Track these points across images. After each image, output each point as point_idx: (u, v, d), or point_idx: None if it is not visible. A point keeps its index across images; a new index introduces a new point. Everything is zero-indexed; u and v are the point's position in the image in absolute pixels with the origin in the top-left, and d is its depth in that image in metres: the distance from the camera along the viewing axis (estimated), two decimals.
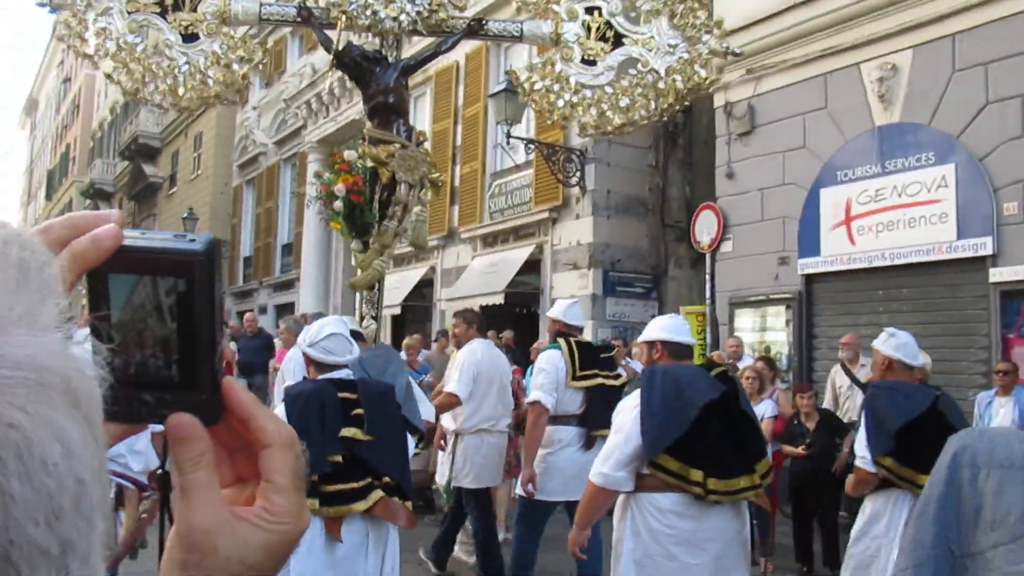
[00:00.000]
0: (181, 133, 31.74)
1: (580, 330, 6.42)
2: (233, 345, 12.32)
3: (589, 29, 5.93)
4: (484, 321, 7.54)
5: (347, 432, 4.07)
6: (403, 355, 10.94)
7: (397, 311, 16.78)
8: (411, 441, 4.69)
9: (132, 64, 5.59)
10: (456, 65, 16.44)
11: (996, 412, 7.44)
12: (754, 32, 11.14)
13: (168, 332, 0.58)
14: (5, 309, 0.43)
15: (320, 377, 4.26)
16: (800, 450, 7.60)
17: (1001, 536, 2.07)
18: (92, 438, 0.45)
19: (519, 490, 6.04)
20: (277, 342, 11.66)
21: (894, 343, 4.56)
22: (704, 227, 12.07)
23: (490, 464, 6.73)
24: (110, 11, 5.59)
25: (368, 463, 4.12)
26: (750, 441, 4.10)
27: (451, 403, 6.60)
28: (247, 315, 14.15)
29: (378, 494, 4.11)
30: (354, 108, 17.41)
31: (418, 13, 5.80)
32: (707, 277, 12.15)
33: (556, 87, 5.82)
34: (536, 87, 5.84)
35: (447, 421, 6.84)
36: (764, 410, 7.99)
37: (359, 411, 4.13)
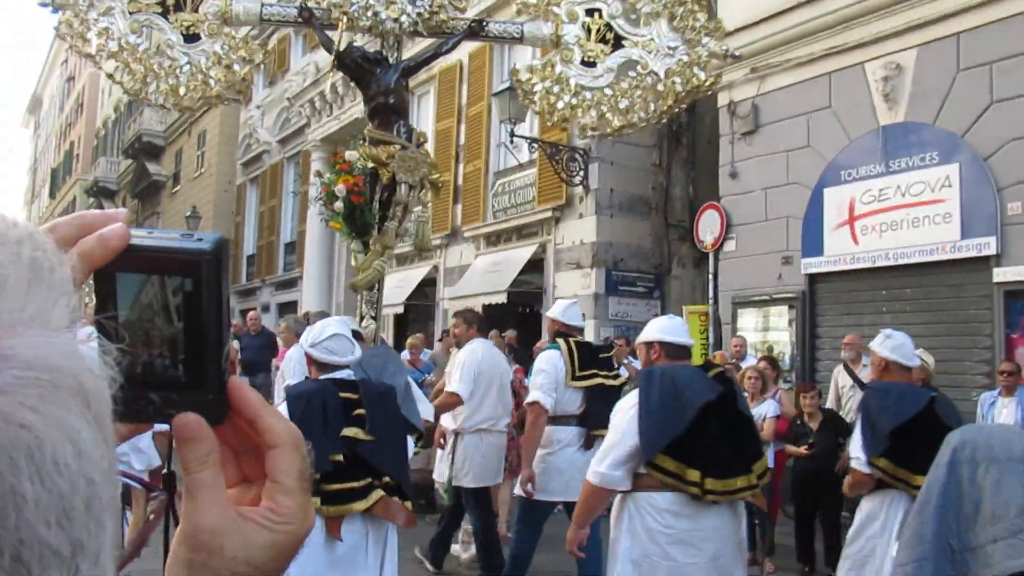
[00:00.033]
0: (185, 131, 31.78)
1: (579, 330, 6.45)
2: (236, 344, 12.34)
3: (589, 31, 5.95)
4: (484, 321, 7.56)
5: (348, 432, 4.11)
6: (406, 354, 10.97)
7: (400, 310, 16.79)
8: (410, 440, 4.72)
9: (134, 64, 5.60)
10: (460, 64, 16.44)
11: (999, 412, 7.43)
12: (758, 31, 11.14)
13: (175, 332, 0.58)
14: (17, 309, 0.43)
15: (322, 377, 4.30)
16: (803, 450, 7.60)
17: (1000, 530, 2.08)
18: (102, 439, 0.45)
19: (518, 490, 6.06)
20: (280, 341, 11.67)
21: (890, 344, 4.58)
22: (707, 226, 12.06)
23: (490, 463, 6.76)
24: (112, 11, 5.60)
25: (369, 463, 4.15)
26: (747, 442, 4.13)
27: (453, 402, 6.63)
28: (251, 314, 14.17)
29: (378, 494, 4.14)
30: (357, 107, 17.41)
31: (419, 14, 5.82)
32: (710, 276, 12.13)
33: (556, 89, 5.83)
34: (536, 89, 5.85)
35: (447, 420, 6.87)
36: (766, 410, 7.99)
37: (360, 411, 4.17)
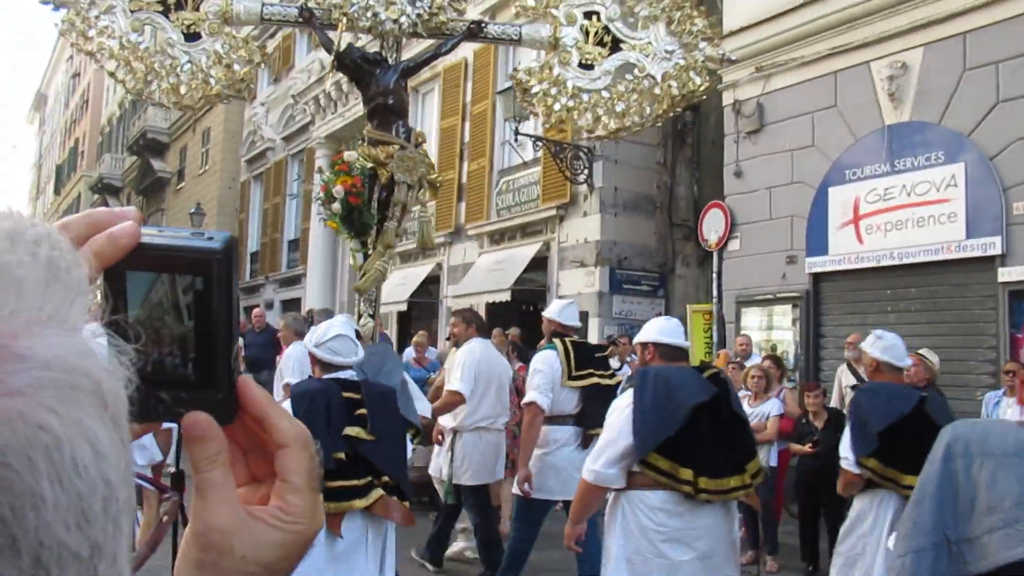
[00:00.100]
0: (189, 128, 31.81)
1: (575, 330, 6.48)
2: (240, 341, 12.33)
3: (587, 34, 5.97)
4: (484, 321, 7.60)
5: (350, 431, 4.17)
6: (412, 353, 10.99)
7: (403, 308, 16.80)
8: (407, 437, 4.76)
9: (135, 62, 5.62)
10: (464, 62, 16.43)
11: (1004, 412, 7.42)
12: (763, 30, 11.12)
13: (185, 330, 0.58)
14: (35, 309, 0.43)
15: (325, 377, 4.36)
16: (807, 448, 7.60)
17: (996, 522, 2.11)
18: (119, 439, 0.45)
19: (515, 489, 6.10)
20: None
21: (881, 345, 4.60)
22: (712, 225, 12.04)
23: (488, 461, 6.81)
24: (113, 9, 5.62)
25: (369, 462, 4.20)
26: (741, 442, 4.18)
27: (456, 401, 6.67)
28: (255, 311, 14.17)
29: (378, 492, 4.19)
30: (361, 104, 17.42)
31: (418, 15, 5.84)
32: (714, 275, 12.12)
33: (554, 91, 5.86)
34: (534, 90, 5.87)
35: (445, 418, 6.91)
36: (770, 409, 8.00)
37: (362, 411, 4.23)
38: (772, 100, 11.28)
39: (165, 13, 5.75)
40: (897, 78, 9.78)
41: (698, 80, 5.92)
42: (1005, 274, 8.74)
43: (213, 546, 0.59)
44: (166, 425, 0.60)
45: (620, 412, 4.03)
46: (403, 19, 5.80)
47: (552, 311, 6.37)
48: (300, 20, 5.99)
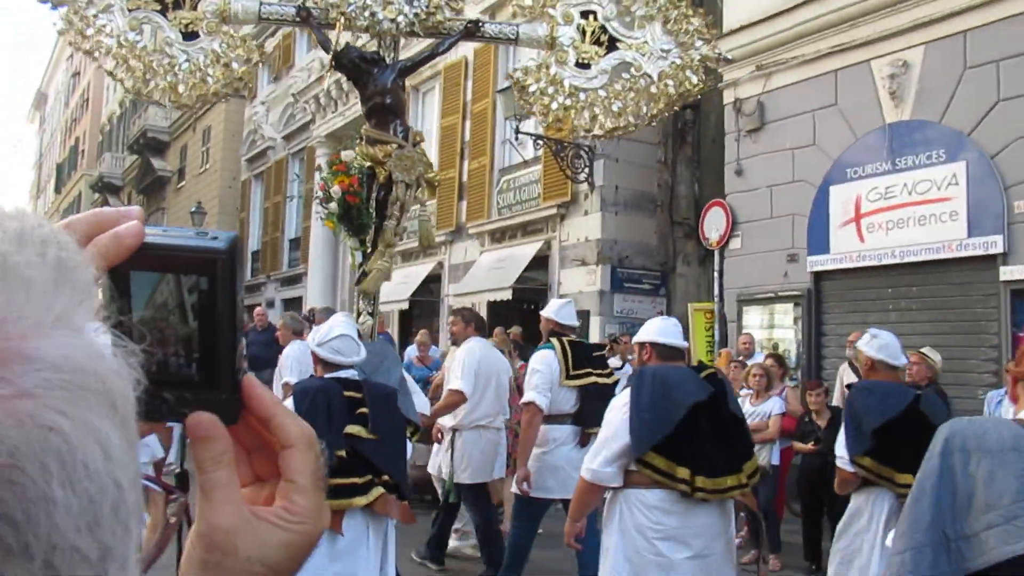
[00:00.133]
0: (189, 127, 31.80)
1: (573, 329, 6.50)
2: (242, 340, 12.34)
3: (584, 33, 5.99)
4: (482, 319, 7.63)
5: (351, 429, 4.21)
6: (415, 351, 10.99)
7: (405, 306, 16.79)
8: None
9: (133, 61, 5.63)
10: (465, 61, 16.42)
11: (1006, 411, 7.41)
12: (764, 28, 11.11)
13: (189, 330, 0.57)
14: (43, 310, 0.43)
15: (327, 376, 4.41)
16: (810, 446, 7.60)
17: (994, 518, 2.12)
18: (128, 441, 0.44)
19: (515, 488, 6.13)
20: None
21: (876, 344, 4.62)
22: (713, 224, 12.04)
23: (487, 459, 6.85)
24: (111, 8, 5.62)
25: (370, 460, 4.24)
26: (738, 441, 4.21)
27: (458, 401, 6.69)
28: (256, 309, 14.19)
29: (379, 490, 4.24)
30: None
31: (416, 15, 5.85)
32: (715, 274, 12.12)
33: (551, 90, 5.87)
34: (531, 89, 5.89)
35: (445, 417, 6.92)
36: (771, 407, 8.00)
37: (363, 410, 4.27)
38: (773, 98, 11.27)
39: (163, 12, 5.75)
40: (898, 76, 9.78)
41: (694, 79, 5.94)
42: (1007, 273, 8.73)
43: (218, 546, 0.59)
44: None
45: (618, 411, 4.07)
46: (400, 18, 5.82)
47: (550, 310, 6.39)
48: (298, 19, 6.00)
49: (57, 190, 55.88)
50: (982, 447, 2.20)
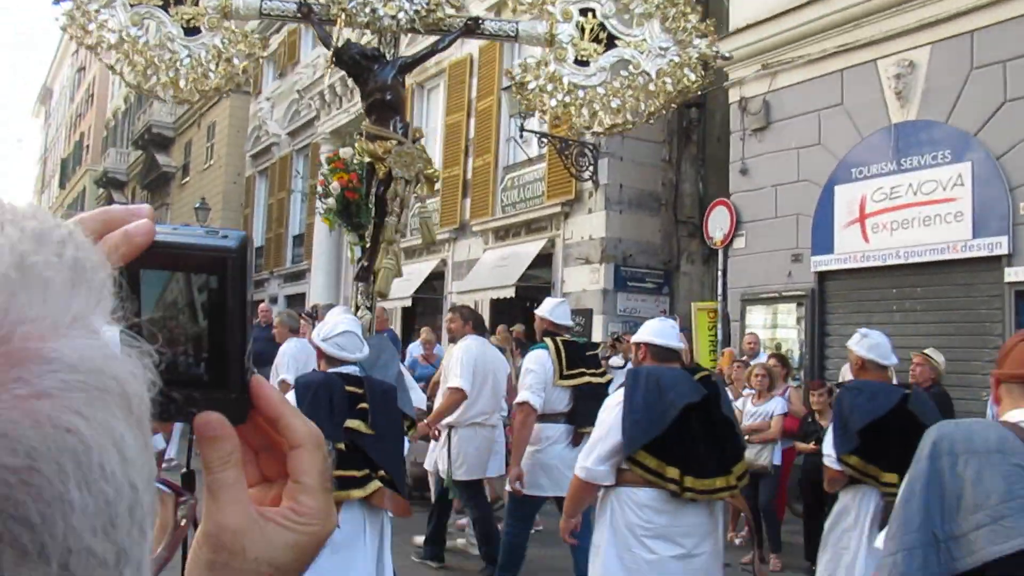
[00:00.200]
0: (194, 123, 31.85)
1: (567, 329, 6.53)
2: None
3: (583, 30, 6.01)
4: (481, 317, 7.67)
5: (351, 424, 4.28)
6: (420, 349, 10.99)
7: (408, 303, 16.81)
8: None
9: (135, 56, 5.65)
10: (470, 58, 16.42)
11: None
12: (770, 27, 11.10)
13: (199, 330, 0.57)
14: (60, 311, 0.42)
15: (330, 371, 4.49)
16: (812, 446, 7.59)
17: (982, 518, 2.16)
18: (143, 443, 0.44)
19: (507, 486, 6.17)
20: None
21: (867, 344, 4.66)
22: (717, 223, 12.03)
23: (482, 456, 6.88)
24: (113, 3, 5.65)
25: (368, 455, 4.31)
26: (729, 444, 4.26)
27: (459, 399, 6.71)
28: (261, 306, 14.20)
29: (376, 484, 4.29)
30: None
31: (416, 12, 5.88)
32: (719, 273, 12.12)
33: (550, 87, 5.90)
34: (531, 86, 5.92)
35: None
36: (774, 407, 7.98)
37: (364, 405, 4.34)
38: (778, 98, 11.26)
39: (165, 7, 5.78)
40: (904, 76, 9.76)
41: (692, 76, 5.97)
42: (1011, 274, 8.71)
43: (225, 547, 0.58)
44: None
45: (611, 411, 4.13)
46: (401, 15, 5.85)
47: (544, 309, 6.42)
48: (299, 15, 6.03)
49: (61, 185, 56.02)
50: (969, 449, 2.24)
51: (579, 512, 4.42)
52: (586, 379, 6.09)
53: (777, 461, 7.92)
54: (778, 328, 11.29)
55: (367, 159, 5.70)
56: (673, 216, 13.95)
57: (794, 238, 10.88)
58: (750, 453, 7.77)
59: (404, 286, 15.89)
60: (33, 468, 0.38)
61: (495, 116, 15.79)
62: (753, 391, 8.17)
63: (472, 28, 6.11)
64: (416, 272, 16.90)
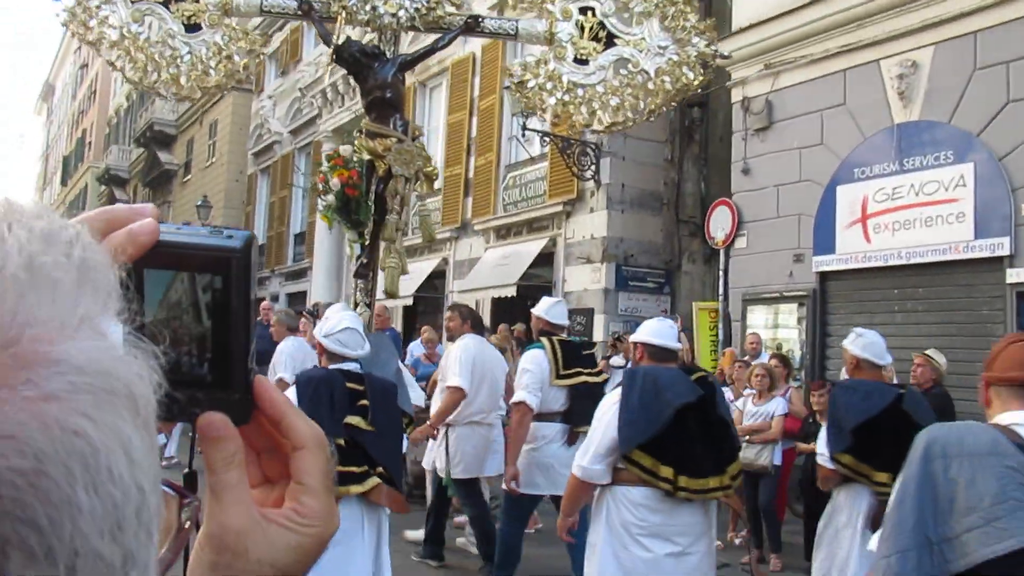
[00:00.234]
0: (196, 121, 31.86)
1: (563, 328, 6.54)
2: None
3: (582, 29, 6.03)
4: (479, 316, 7.68)
5: (352, 420, 4.32)
6: (422, 348, 10.98)
7: (409, 302, 16.80)
8: None
9: (135, 53, 5.66)
10: (472, 57, 16.42)
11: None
12: (772, 27, 11.09)
13: (203, 330, 0.57)
14: (68, 312, 0.42)
15: (331, 367, 4.51)
16: (813, 446, 7.58)
17: (975, 520, 2.19)
18: (150, 445, 0.44)
19: (503, 485, 6.19)
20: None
21: (862, 343, 4.69)
22: (719, 223, 12.02)
23: (479, 454, 6.89)
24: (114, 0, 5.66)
25: (367, 452, 4.35)
26: (724, 444, 4.30)
27: (459, 398, 6.71)
28: (263, 304, 14.21)
29: (375, 480, 4.33)
30: None
31: (416, 10, 5.90)
32: (721, 273, 12.11)
33: (549, 85, 5.91)
34: (530, 85, 5.93)
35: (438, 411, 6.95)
36: (774, 408, 7.97)
37: (364, 402, 4.38)
38: (780, 97, 11.25)
39: (165, 4, 5.80)
40: (907, 77, 9.74)
41: (691, 75, 5.99)
42: (1013, 275, 8.70)
43: (228, 548, 0.58)
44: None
45: (608, 410, 4.16)
46: (401, 13, 5.87)
47: (540, 309, 6.43)
48: (299, 13, 6.05)
49: (63, 182, 56.05)
50: (962, 452, 2.27)
51: (576, 511, 4.46)
52: (582, 379, 6.11)
53: (778, 461, 7.92)
54: (779, 328, 11.29)
55: (367, 156, 5.72)
56: (675, 216, 13.94)
57: (796, 238, 10.87)
58: (751, 453, 7.79)
59: (405, 285, 15.81)
60: (41, 471, 0.38)
61: (497, 115, 15.79)
62: (754, 391, 8.16)
63: (472, 26, 6.13)
64: (417, 271, 16.89)
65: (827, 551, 4.61)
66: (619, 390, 4.19)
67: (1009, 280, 8.74)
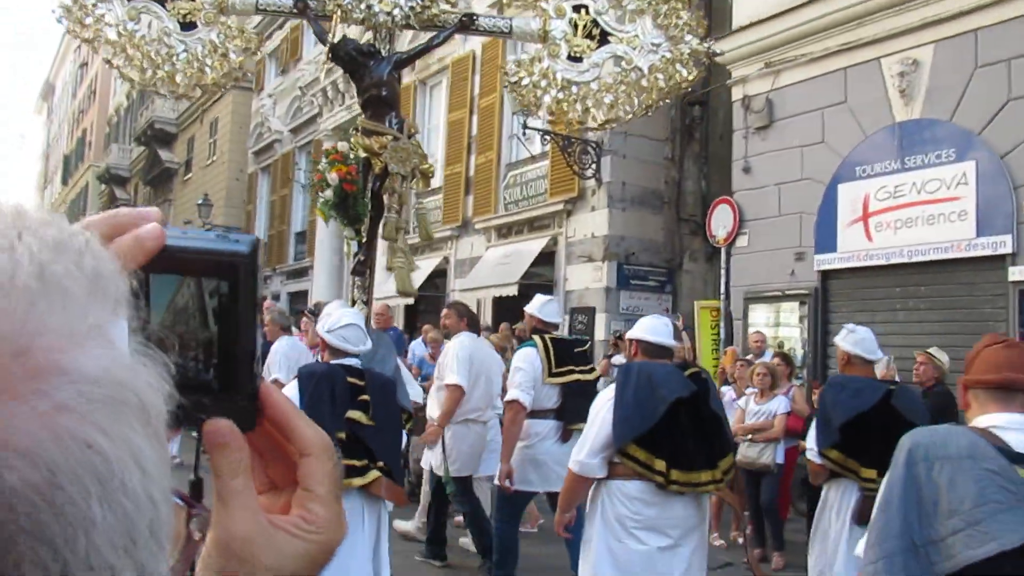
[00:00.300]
0: (197, 119, 31.85)
1: (556, 327, 6.56)
2: None
3: (576, 26, 6.05)
4: (476, 315, 7.69)
5: (352, 414, 4.37)
6: (427, 348, 10.97)
7: (410, 300, 16.78)
8: None
9: (131, 51, 5.67)
10: (472, 55, 16.40)
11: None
12: (773, 25, 11.07)
13: (209, 335, 0.56)
14: (79, 321, 0.42)
15: (333, 362, 4.57)
16: None
17: (958, 523, 2.22)
18: (161, 456, 0.43)
19: (496, 482, 6.20)
20: (294, 330, 11.68)
21: (853, 339, 4.74)
22: (720, 221, 12.01)
23: (474, 452, 6.91)
24: None
25: (368, 446, 4.40)
26: (716, 439, 4.35)
27: (459, 397, 6.72)
28: (265, 303, 14.20)
29: (375, 473, 4.39)
30: None
31: (411, 8, 5.93)
32: (722, 271, 12.10)
33: (543, 83, 5.92)
34: (524, 82, 5.94)
35: (434, 410, 6.97)
36: (777, 407, 7.96)
37: (365, 397, 4.43)
38: (781, 96, 11.23)
39: (161, 2, 5.81)
40: (908, 75, 9.73)
41: (684, 72, 6.03)
42: (1015, 273, 8.70)
43: (234, 554, 0.58)
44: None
45: (603, 405, 4.23)
46: (396, 11, 5.89)
47: (533, 307, 6.45)
48: (295, 11, 6.06)
49: (64, 181, 56.07)
50: (943, 455, 2.30)
51: (573, 506, 4.50)
52: (575, 376, 6.12)
53: (780, 460, 7.91)
54: (781, 327, 11.28)
55: (363, 154, 5.74)
56: (676, 214, 13.94)
57: (797, 236, 10.87)
58: (753, 452, 7.79)
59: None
60: (54, 484, 0.38)
61: (497, 113, 15.78)
62: (756, 390, 8.16)
63: (466, 24, 6.16)
64: (418, 270, 16.89)
65: (820, 547, 4.67)
66: (613, 386, 4.25)
67: (1011, 278, 8.73)
